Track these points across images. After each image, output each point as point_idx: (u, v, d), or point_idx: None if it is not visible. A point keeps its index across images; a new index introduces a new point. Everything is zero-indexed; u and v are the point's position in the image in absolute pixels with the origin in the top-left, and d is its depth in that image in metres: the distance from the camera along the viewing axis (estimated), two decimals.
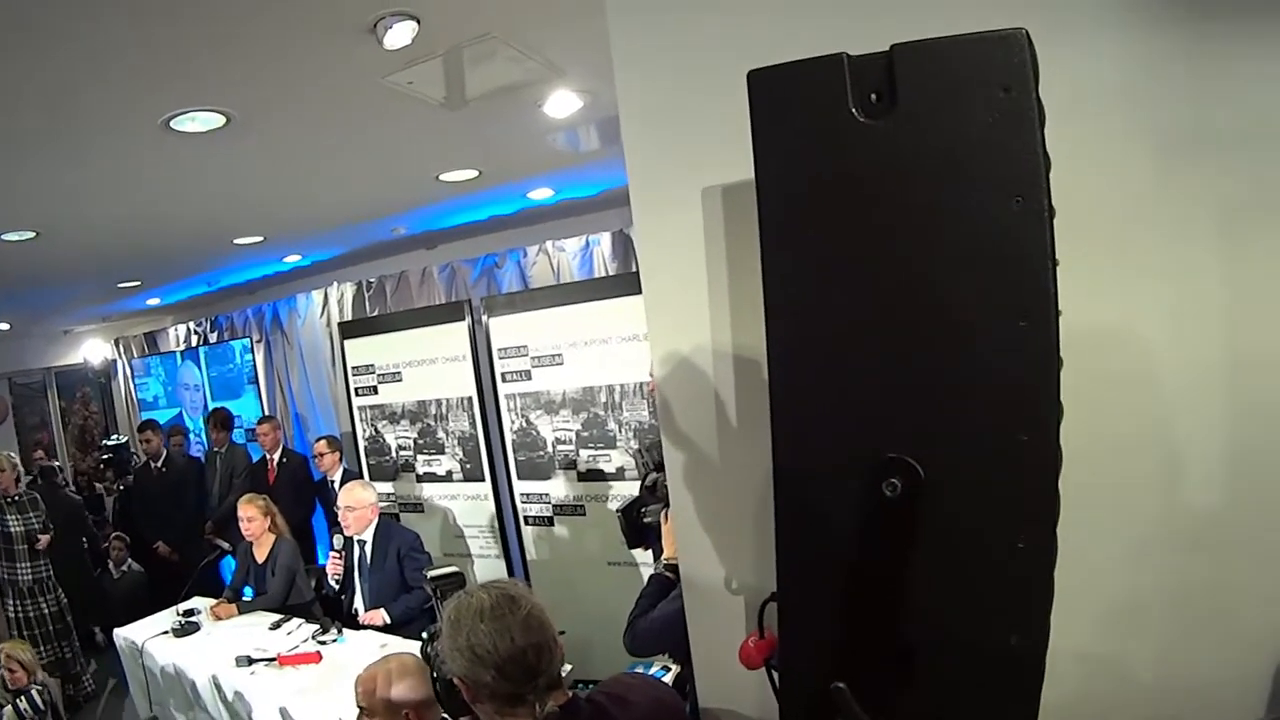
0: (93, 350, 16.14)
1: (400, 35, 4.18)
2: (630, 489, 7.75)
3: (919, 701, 1.78)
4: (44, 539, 8.89)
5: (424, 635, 3.67)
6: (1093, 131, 2.31)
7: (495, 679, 2.67)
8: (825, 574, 1.85)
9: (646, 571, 7.55)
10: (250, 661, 6.21)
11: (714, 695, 3.20)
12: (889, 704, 1.78)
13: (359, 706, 4.11)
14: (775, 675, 2.40)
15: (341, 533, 7.18)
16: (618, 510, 4.86)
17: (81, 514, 11.29)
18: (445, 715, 3.94)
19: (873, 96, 1.69)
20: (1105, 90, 2.37)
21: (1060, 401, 1.66)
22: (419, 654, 3.97)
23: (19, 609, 8.77)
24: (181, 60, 4.22)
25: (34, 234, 7.36)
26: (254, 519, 7.75)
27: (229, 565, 10.03)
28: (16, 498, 8.89)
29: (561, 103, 5.77)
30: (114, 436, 13.67)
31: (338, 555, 7.19)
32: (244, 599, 7.85)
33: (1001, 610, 1.72)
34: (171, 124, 5.09)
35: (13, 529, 8.73)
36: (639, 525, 4.72)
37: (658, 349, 3.08)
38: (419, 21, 4.13)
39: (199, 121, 5.13)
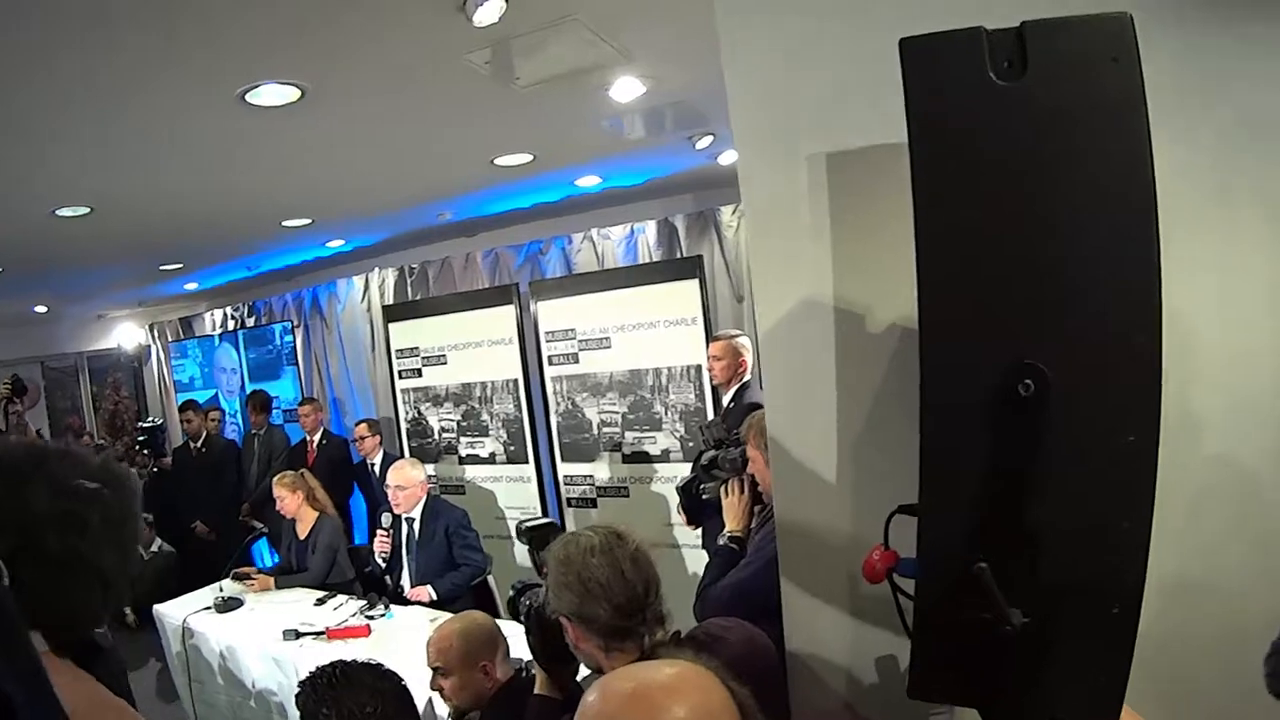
0: (126, 335, 16.29)
1: (489, 12, 4.23)
2: (675, 471, 7.96)
3: (1041, 586, 1.97)
4: None
5: (512, 589, 3.74)
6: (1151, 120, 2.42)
7: (606, 611, 2.75)
8: (965, 470, 2.04)
9: (690, 554, 7.70)
10: (298, 635, 6.28)
11: (802, 638, 3.26)
12: (1018, 583, 1.96)
13: (433, 668, 4.18)
14: (895, 590, 2.46)
15: (390, 510, 7.24)
16: (677, 486, 4.93)
17: None
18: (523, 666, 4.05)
19: (1006, 63, 1.92)
20: (1163, 81, 2.46)
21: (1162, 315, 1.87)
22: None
23: None
24: (265, 30, 4.28)
25: (88, 209, 7.39)
26: (284, 498, 7.88)
27: (263, 547, 10.13)
28: None
29: (626, 88, 5.83)
30: (149, 419, 13.73)
31: (385, 533, 7.24)
32: (283, 575, 7.93)
33: (1114, 498, 1.94)
34: (246, 97, 5.13)
35: None
36: (699, 501, 4.79)
37: (763, 305, 3.18)
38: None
39: (274, 95, 5.18)
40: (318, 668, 3.60)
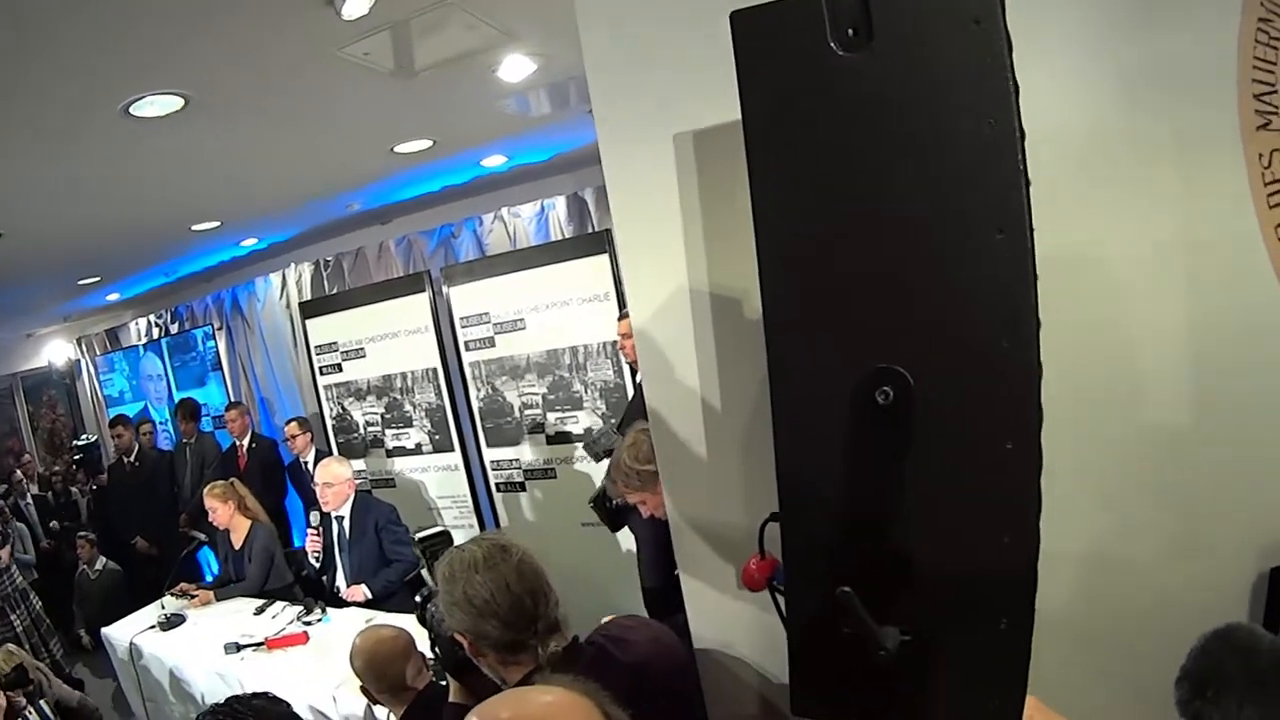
0: (56, 352, 16.05)
1: (358, 5, 4.19)
2: None
3: (920, 602, 1.85)
4: (2, 554, 8.44)
5: (417, 599, 3.71)
6: (1057, 66, 2.40)
7: (496, 627, 2.72)
8: (824, 484, 1.91)
9: (621, 531, 7.65)
10: (239, 648, 6.26)
11: (709, 631, 3.24)
12: (890, 607, 1.83)
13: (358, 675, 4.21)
14: (777, 597, 2.43)
15: (320, 509, 7.19)
16: (590, 503, 4.86)
17: None
18: (435, 676, 4.02)
19: (850, 31, 1.74)
20: (1068, 26, 2.43)
21: (1038, 311, 1.70)
22: (412, 621, 4.03)
23: None
24: (140, 43, 4.25)
25: None
26: (215, 509, 7.78)
27: (207, 555, 10.06)
28: None
29: (515, 67, 5.78)
30: (84, 436, 13.62)
31: (316, 532, 7.22)
32: (223, 586, 7.87)
33: (993, 511, 1.78)
34: (131, 109, 5.11)
35: None
36: (613, 510, 4.74)
37: (635, 295, 3.09)
38: None
39: (157, 105, 5.15)
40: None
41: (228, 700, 3.38)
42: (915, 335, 1.78)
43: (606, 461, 4.98)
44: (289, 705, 3.43)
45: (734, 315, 2.83)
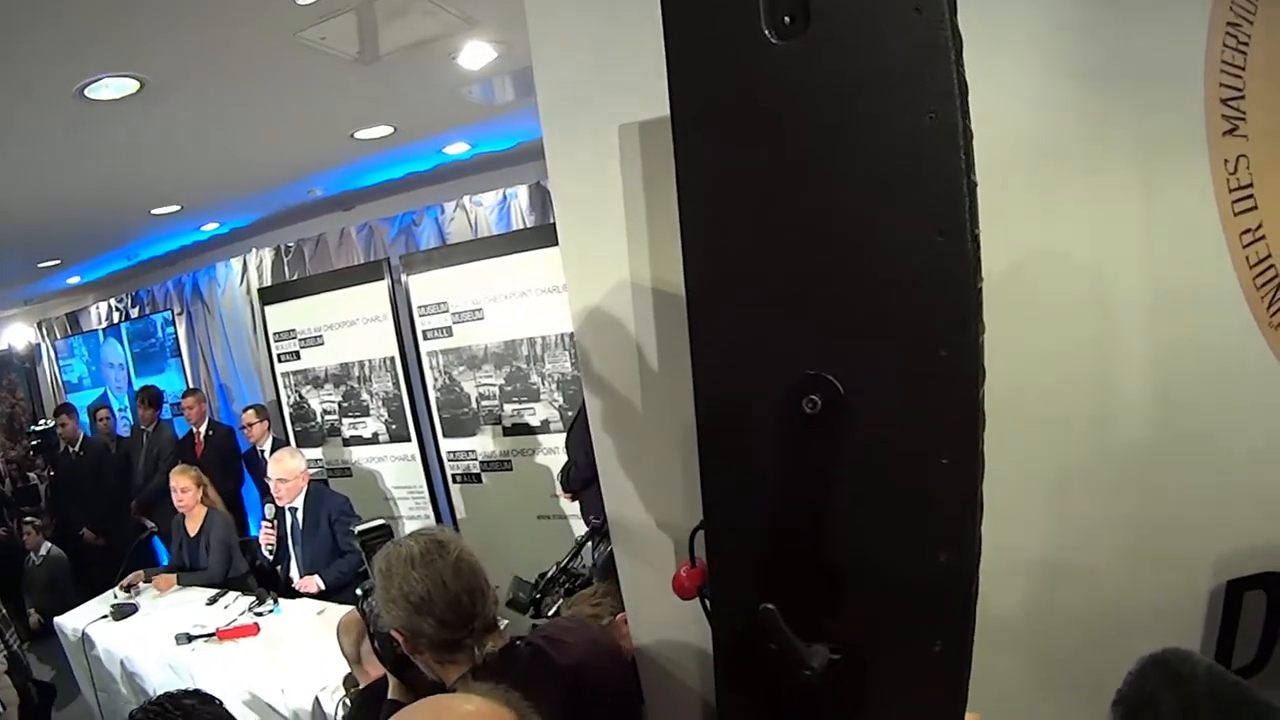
0: (16, 335, 15.93)
1: None
2: (555, 441, 8.02)
3: (850, 620, 1.78)
4: None
5: (358, 593, 3.66)
6: (1018, 66, 2.37)
7: (432, 626, 2.68)
8: (750, 496, 1.85)
9: (576, 524, 7.69)
10: (190, 638, 6.20)
11: (647, 633, 3.20)
12: (819, 624, 1.77)
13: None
14: (707, 605, 2.38)
15: (274, 501, 7.16)
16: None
17: None
18: None
19: (786, 19, 1.66)
20: (1030, 25, 2.39)
21: (981, 317, 1.64)
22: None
23: None
24: (94, 25, 4.21)
25: None
26: (188, 489, 7.69)
27: (157, 543, 9.99)
28: None
29: (475, 54, 5.76)
30: (41, 422, 13.55)
31: (270, 525, 7.17)
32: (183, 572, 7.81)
33: (928, 527, 1.71)
34: (85, 92, 5.09)
35: None
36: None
37: (575, 291, 3.04)
38: None
39: (112, 88, 5.13)
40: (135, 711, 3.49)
41: (159, 698, 3.34)
42: (847, 340, 1.70)
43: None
44: (220, 704, 3.39)
45: (676, 310, 2.73)
